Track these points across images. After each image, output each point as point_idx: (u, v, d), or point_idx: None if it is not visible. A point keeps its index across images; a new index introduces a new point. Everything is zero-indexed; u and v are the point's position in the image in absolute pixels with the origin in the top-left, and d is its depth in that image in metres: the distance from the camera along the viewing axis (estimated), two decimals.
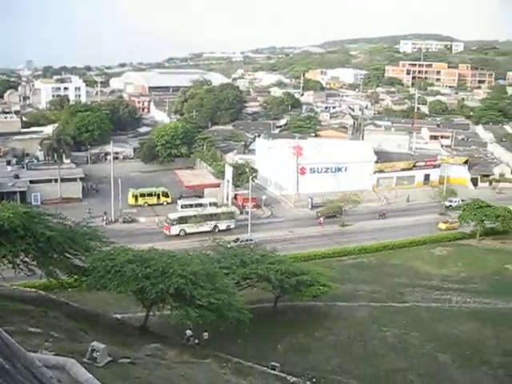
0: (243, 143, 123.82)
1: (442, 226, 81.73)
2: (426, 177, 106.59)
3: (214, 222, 76.53)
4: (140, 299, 38.46)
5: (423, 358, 45.07)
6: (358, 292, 58.05)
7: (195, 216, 75.81)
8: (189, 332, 41.13)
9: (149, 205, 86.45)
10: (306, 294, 49.79)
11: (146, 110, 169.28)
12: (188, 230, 74.82)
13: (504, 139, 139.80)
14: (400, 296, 57.76)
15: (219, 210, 79.10)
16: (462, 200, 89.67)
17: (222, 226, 77.05)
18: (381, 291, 58.47)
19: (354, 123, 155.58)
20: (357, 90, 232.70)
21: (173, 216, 76.06)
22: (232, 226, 78.04)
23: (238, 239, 69.44)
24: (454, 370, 43.51)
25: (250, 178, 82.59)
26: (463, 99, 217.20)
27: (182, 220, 75.66)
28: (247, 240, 68.97)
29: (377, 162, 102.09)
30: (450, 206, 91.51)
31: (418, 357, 45.04)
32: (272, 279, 47.52)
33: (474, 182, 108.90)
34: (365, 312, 53.36)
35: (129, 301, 41.72)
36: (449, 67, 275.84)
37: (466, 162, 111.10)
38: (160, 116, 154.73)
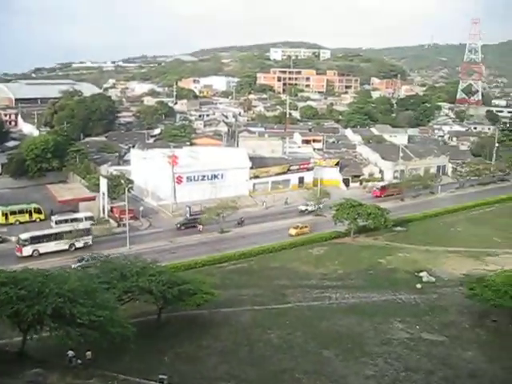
0: (117, 154, 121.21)
1: (292, 231, 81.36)
2: (301, 180, 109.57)
3: (68, 241, 71.67)
4: (16, 323, 36.43)
5: (308, 355, 46.23)
6: (241, 297, 58.41)
7: (49, 235, 71.45)
8: (71, 353, 39.37)
9: (20, 222, 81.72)
10: (189, 303, 49.41)
11: (13, 123, 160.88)
12: (42, 250, 69.79)
13: (371, 141, 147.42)
14: (282, 297, 58.84)
15: (71, 228, 73.58)
16: (318, 204, 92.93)
17: (79, 243, 72.42)
18: (263, 294, 59.27)
19: (229, 130, 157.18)
20: (230, 97, 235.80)
21: (24, 236, 70.33)
22: (90, 242, 73.67)
23: (82, 258, 65.03)
24: (337, 364, 45.04)
25: (126, 189, 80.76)
26: (332, 104, 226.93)
27: (35, 240, 70.27)
28: (95, 257, 63.45)
29: (252, 167, 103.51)
30: (306, 209, 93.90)
31: (303, 355, 46.14)
32: (154, 291, 46.71)
33: (346, 182, 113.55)
34: (249, 316, 53.81)
35: (4, 326, 39.31)
36: (317, 73, 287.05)
37: (337, 164, 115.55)
38: (28, 129, 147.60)
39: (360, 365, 44.98)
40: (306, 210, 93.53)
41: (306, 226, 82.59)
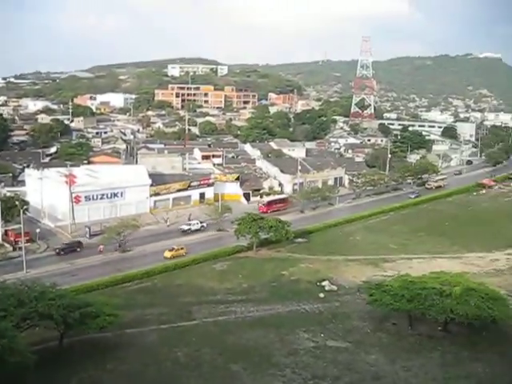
0: (11, 175, 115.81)
1: (168, 254, 77.83)
2: (202, 195, 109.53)
3: None
4: None
5: (216, 371, 46.14)
6: (146, 316, 57.41)
7: None
8: None
9: None
10: (92, 326, 48.04)
11: None
12: None
13: (270, 155, 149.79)
14: (188, 315, 58.42)
15: None
16: (201, 222, 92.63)
17: None
18: (169, 312, 58.57)
19: (127, 147, 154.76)
20: (128, 114, 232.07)
21: None
22: None
23: None
24: (246, 378, 45.29)
25: (22, 211, 77.25)
26: (231, 119, 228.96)
27: None
28: None
29: (152, 184, 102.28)
30: (189, 229, 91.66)
31: (211, 371, 46.02)
32: (54, 316, 45.07)
33: (247, 196, 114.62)
34: (155, 336, 52.98)
35: None
36: (216, 89, 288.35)
37: (237, 179, 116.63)
38: None
39: (268, 377, 45.41)
40: (189, 229, 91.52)
41: (182, 248, 79.84)
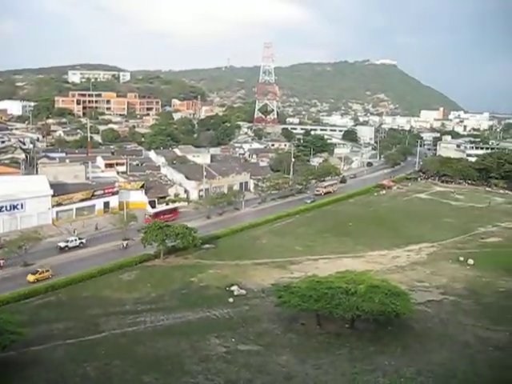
0: None
1: (31, 277, 70.38)
2: (106, 204, 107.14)
3: None
4: None
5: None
6: (52, 332, 55.39)
7: None
8: None
9: None
10: None
11: None
12: None
13: (175, 161, 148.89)
14: (95, 327, 56.87)
15: None
16: (80, 238, 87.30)
17: None
18: (75, 326, 56.80)
19: (27, 157, 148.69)
20: (27, 122, 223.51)
21: None
22: None
23: None
24: None
25: None
26: (134, 126, 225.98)
27: None
28: None
29: (54, 195, 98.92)
30: (66, 246, 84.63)
31: None
32: None
33: (152, 204, 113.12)
34: (62, 351, 51.22)
35: None
36: (118, 96, 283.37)
37: (142, 187, 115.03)
38: None
39: None
40: (66, 246, 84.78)
41: (47, 271, 73.21)
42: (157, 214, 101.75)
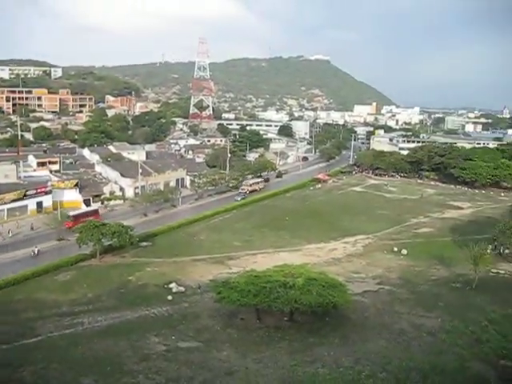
0: None
1: None
2: (39, 204, 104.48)
3: None
4: None
5: None
6: None
7: None
8: None
9: None
10: None
11: None
12: None
13: (109, 159, 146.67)
14: (31, 331, 55.23)
15: None
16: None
17: None
18: (9, 331, 54.92)
19: None
20: None
21: None
22: None
23: None
24: None
25: None
26: (67, 124, 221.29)
27: None
28: None
29: None
30: None
31: None
32: None
33: (87, 203, 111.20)
34: None
35: None
36: (49, 93, 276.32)
37: (76, 185, 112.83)
38: None
39: None
40: None
41: None
42: (77, 217, 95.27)
